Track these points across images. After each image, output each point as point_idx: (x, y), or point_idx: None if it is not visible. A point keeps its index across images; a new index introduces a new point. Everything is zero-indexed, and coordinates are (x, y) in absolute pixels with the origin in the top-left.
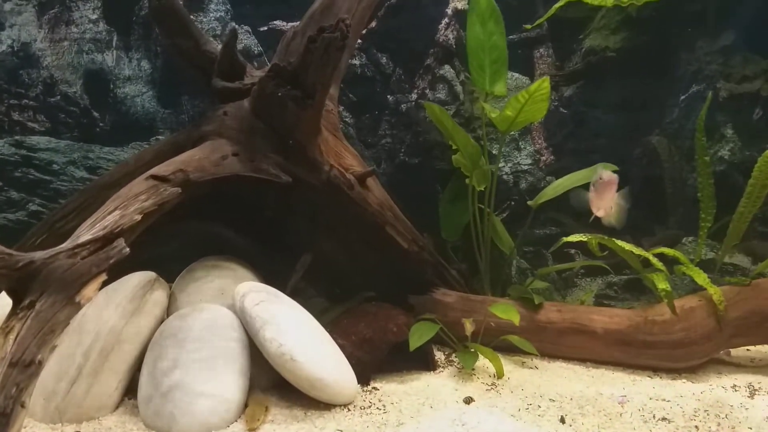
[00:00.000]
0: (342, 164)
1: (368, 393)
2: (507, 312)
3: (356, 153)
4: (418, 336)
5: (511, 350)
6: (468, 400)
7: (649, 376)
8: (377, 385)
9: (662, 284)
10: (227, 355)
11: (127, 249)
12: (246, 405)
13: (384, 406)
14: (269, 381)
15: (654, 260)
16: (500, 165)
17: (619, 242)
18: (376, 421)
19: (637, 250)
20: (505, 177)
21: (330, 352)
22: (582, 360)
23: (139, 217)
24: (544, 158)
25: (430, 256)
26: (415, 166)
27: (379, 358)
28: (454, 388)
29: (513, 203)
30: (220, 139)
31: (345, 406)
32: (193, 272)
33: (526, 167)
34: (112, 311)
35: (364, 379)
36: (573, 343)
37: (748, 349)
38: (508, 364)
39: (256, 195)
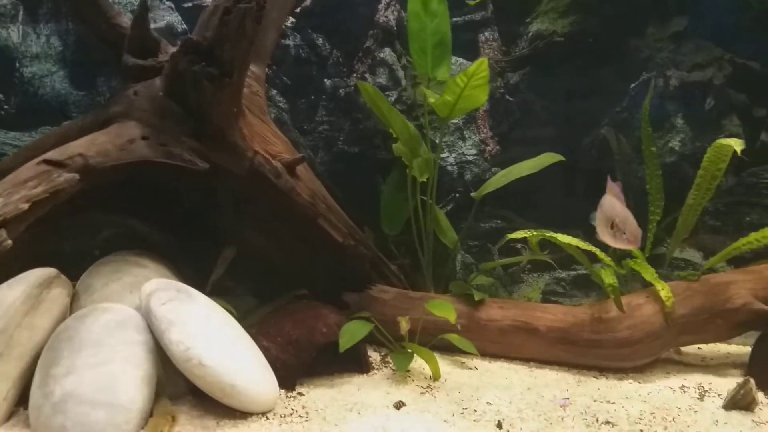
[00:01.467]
0: (268, 151)
1: (292, 399)
2: (443, 309)
3: (286, 139)
4: (349, 336)
5: (451, 350)
6: (399, 405)
7: (594, 377)
8: (303, 390)
9: (609, 279)
10: (129, 360)
11: (10, 241)
12: (151, 415)
13: (307, 413)
14: (185, 388)
15: (601, 255)
16: (444, 155)
17: (564, 237)
18: (295, 431)
19: (583, 245)
20: (449, 168)
21: (247, 356)
22: (525, 360)
23: (26, 206)
24: (489, 148)
25: (368, 251)
26: (354, 155)
27: (306, 361)
28: (386, 392)
29: (457, 195)
30: (129, 121)
31: (263, 414)
32: (99, 269)
33: (471, 158)
34: (2, 312)
35: (288, 383)
36: (515, 342)
37: (699, 348)
38: (446, 365)
39: (174, 185)
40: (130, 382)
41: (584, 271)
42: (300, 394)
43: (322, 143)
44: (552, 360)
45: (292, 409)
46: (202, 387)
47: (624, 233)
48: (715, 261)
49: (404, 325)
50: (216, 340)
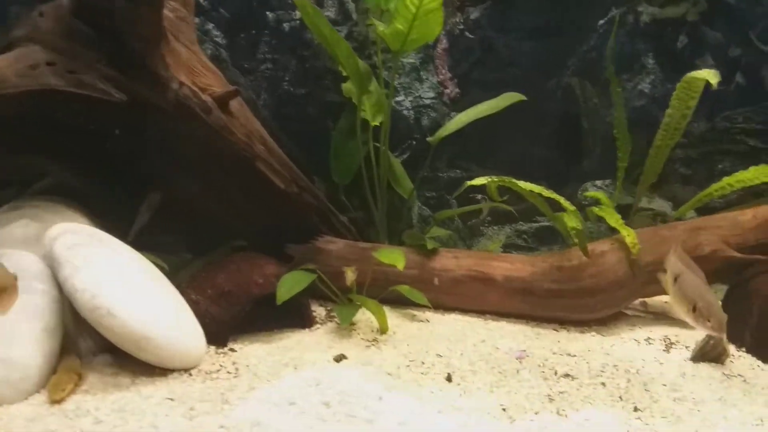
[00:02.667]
0: (196, 83)
1: (222, 355)
2: (391, 256)
3: (218, 72)
4: (288, 287)
5: (403, 303)
6: (339, 358)
7: (555, 330)
8: (237, 346)
9: (572, 222)
10: (28, 311)
11: None
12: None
13: (237, 369)
14: (101, 345)
15: (565, 202)
16: (399, 98)
17: (525, 184)
18: (220, 387)
19: (546, 192)
20: (404, 112)
21: (168, 309)
22: (481, 312)
23: None
24: (448, 91)
25: (315, 200)
26: (301, 97)
27: (239, 315)
28: (328, 346)
29: (414, 143)
30: (33, 45)
31: (187, 370)
32: (4, 215)
33: (428, 101)
34: None
35: (220, 339)
36: (470, 293)
37: (666, 302)
38: (396, 318)
39: (92, 120)
40: (27, 335)
41: (547, 223)
42: (232, 350)
43: (266, 84)
44: (510, 312)
45: (221, 365)
46: (113, 340)
47: (708, 320)
48: (685, 209)
49: (350, 275)
50: (130, 289)
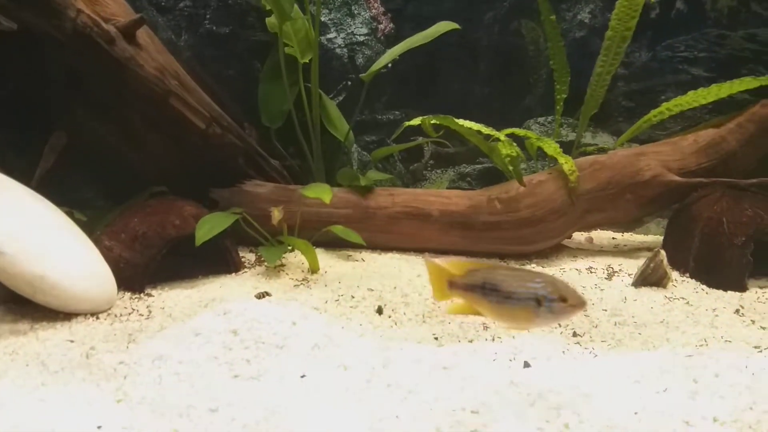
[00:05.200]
0: (98, 12)
1: (136, 300)
2: (317, 191)
3: (124, 1)
4: (208, 228)
5: (340, 245)
6: (261, 296)
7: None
8: (156, 291)
9: (506, 149)
10: None
11: None
12: None
13: (150, 312)
14: (4, 295)
15: (501, 135)
16: (331, 35)
17: (461, 121)
18: (128, 329)
19: (486, 130)
20: (338, 51)
21: (72, 253)
22: (419, 250)
23: None
24: (382, 26)
25: (240, 142)
26: (225, 36)
27: (154, 258)
28: (253, 287)
29: (350, 83)
30: None
31: (95, 315)
32: None
33: (362, 38)
34: None
35: (136, 284)
36: (407, 230)
37: (614, 238)
38: (331, 259)
39: None
40: None
41: (490, 164)
42: (149, 295)
43: (185, 23)
44: (449, 248)
45: (134, 309)
46: (6, 282)
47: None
48: (625, 137)
49: (276, 214)
50: (25, 230)
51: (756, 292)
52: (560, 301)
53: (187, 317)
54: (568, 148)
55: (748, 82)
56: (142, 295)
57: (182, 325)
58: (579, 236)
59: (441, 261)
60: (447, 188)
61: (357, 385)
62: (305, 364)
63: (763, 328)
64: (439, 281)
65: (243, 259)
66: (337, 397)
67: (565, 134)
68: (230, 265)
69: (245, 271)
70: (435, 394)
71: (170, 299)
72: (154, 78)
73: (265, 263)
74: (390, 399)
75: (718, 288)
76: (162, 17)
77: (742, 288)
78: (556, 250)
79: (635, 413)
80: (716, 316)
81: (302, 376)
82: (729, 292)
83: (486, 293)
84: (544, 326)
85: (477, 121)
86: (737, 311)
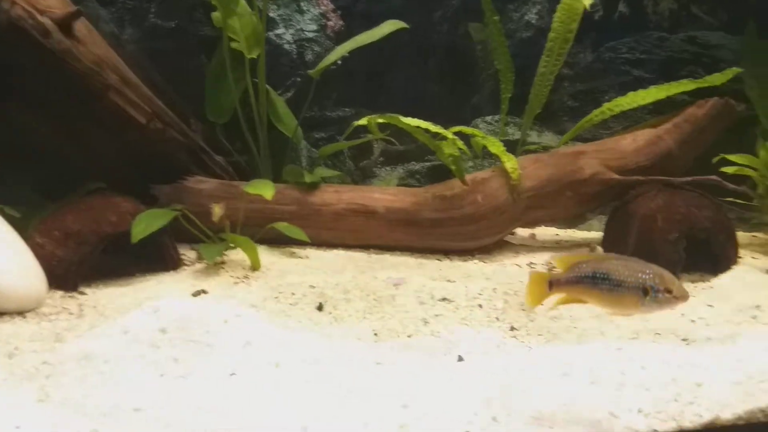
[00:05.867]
0: (33, 4)
1: (69, 299)
2: (259, 187)
3: None
4: (145, 225)
5: (285, 242)
6: (197, 293)
7: (438, 260)
8: (90, 290)
9: (449, 149)
10: None
11: None
12: None
13: (82, 310)
14: None
15: (448, 133)
16: (279, 31)
17: (407, 119)
18: (57, 328)
19: (434, 128)
20: (286, 47)
21: None
22: (365, 246)
23: None
24: (331, 23)
25: (183, 137)
26: (171, 31)
27: (89, 256)
28: (191, 285)
29: (299, 80)
30: None
31: (21, 313)
32: None
33: (311, 35)
34: None
35: (68, 282)
36: (352, 227)
37: (557, 234)
38: (274, 256)
39: None
40: None
41: (439, 162)
42: (82, 293)
43: (129, 16)
44: (394, 245)
45: (64, 308)
46: None
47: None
48: (568, 136)
49: (216, 210)
50: None
51: (688, 287)
52: (666, 293)
53: (120, 316)
54: (514, 146)
55: (685, 85)
56: (75, 293)
57: (112, 324)
58: (523, 233)
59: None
60: (397, 185)
61: (289, 382)
62: (235, 362)
63: (693, 321)
64: (538, 287)
65: (183, 257)
66: (268, 395)
67: (512, 133)
68: (169, 263)
69: (184, 269)
70: (367, 389)
71: (104, 297)
72: (92, 72)
73: (207, 261)
74: (323, 395)
75: None
76: (105, 10)
77: None
78: (499, 246)
79: (563, 405)
80: None
81: (231, 374)
82: None
83: (596, 282)
84: (647, 314)
85: (427, 119)
86: None
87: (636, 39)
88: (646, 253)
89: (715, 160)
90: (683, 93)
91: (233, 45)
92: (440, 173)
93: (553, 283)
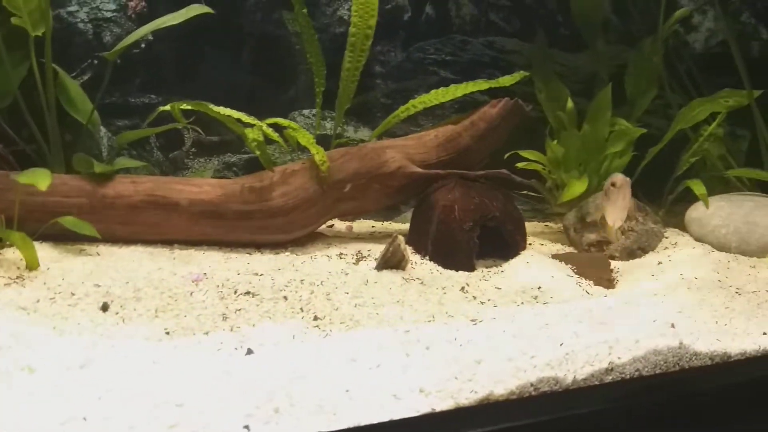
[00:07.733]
0: None
1: None
2: (34, 177)
3: None
4: None
5: (74, 238)
6: None
7: (248, 254)
8: None
9: (253, 135)
10: None
11: None
12: None
13: None
14: None
15: (256, 121)
16: (72, 8)
17: (218, 108)
18: None
19: (246, 118)
20: (81, 26)
21: None
22: (167, 242)
23: None
24: (133, 4)
25: None
26: None
27: None
28: None
29: (96, 62)
30: None
31: None
32: None
33: (109, 14)
34: None
35: None
36: (151, 221)
37: (373, 226)
38: (59, 253)
39: None
40: None
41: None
42: None
43: None
44: (200, 239)
45: None
46: None
47: None
48: (378, 131)
49: None
50: None
51: (482, 272)
52: None
53: None
54: (329, 140)
55: (479, 85)
56: None
57: None
58: (341, 225)
59: None
60: (212, 178)
61: (43, 388)
62: None
63: (482, 303)
64: None
65: None
66: (17, 402)
67: (330, 128)
68: None
69: None
70: (138, 390)
71: None
72: None
73: None
74: (81, 400)
75: (451, 269)
76: None
77: (470, 268)
78: (312, 239)
79: (347, 391)
80: (444, 293)
81: None
82: (460, 272)
83: None
84: None
85: (243, 109)
86: (462, 289)
87: (442, 41)
88: (445, 241)
89: (507, 155)
90: (480, 92)
91: (15, 21)
92: (259, 165)
93: None
